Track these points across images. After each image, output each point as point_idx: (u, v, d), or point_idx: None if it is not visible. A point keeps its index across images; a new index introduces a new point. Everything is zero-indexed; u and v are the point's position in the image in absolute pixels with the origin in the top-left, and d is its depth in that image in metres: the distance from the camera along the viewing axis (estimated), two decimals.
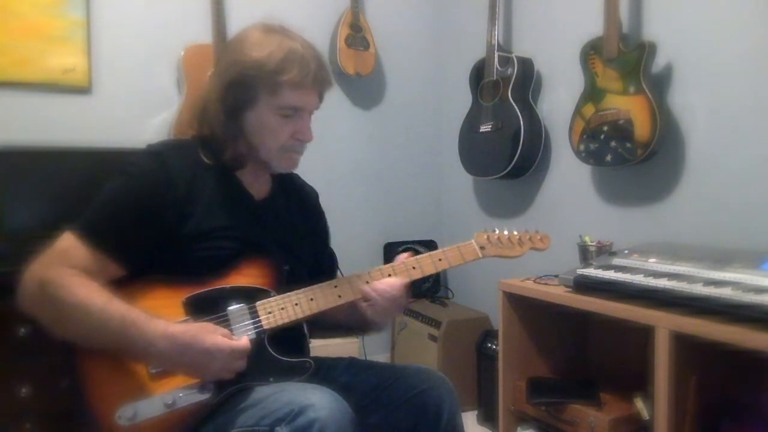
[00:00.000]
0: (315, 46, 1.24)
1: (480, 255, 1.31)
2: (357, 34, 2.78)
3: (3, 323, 1.68)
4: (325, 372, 1.27)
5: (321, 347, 2.41)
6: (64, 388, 1.09)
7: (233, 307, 1.14)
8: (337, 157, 2.88)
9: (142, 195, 1.14)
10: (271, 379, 1.12)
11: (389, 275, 1.23)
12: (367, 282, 1.22)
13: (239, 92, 1.18)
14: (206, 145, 1.24)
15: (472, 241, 1.32)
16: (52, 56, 2.28)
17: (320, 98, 1.26)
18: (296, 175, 1.42)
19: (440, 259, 1.27)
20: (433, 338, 2.54)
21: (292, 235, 1.32)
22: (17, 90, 2.24)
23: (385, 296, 1.20)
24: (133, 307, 1.05)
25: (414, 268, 1.24)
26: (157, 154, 1.19)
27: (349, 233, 2.67)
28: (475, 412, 2.41)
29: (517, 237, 1.36)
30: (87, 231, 1.10)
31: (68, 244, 1.09)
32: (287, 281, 1.21)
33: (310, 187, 1.47)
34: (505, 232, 1.35)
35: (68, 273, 1.06)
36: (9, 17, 2.21)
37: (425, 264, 1.26)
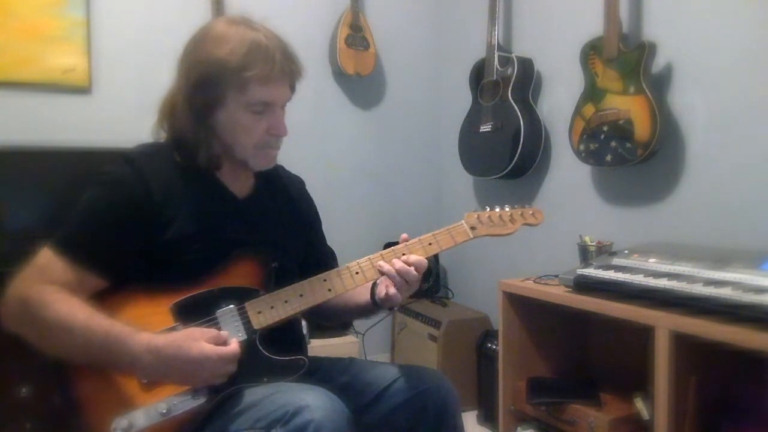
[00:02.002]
0: (280, 35, 1.18)
1: (471, 236, 1.27)
2: (357, 34, 2.77)
3: (3, 323, 1.68)
4: (325, 372, 1.27)
5: (321, 347, 2.42)
6: (63, 391, 1.09)
7: (222, 309, 1.12)
8: (337, 157, 2.88)
9: (118, 205, 1.11)
10: (266, 379, 1.11)
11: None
12: (357, 273, 1.21)
13: (206, 93, 1.13)
14: (180, 147, 1.19)
15: (463, 222, 1.27)
16: (52, 56, 2.28)
17: (292, 89, 1.21)
18: (280, 166, 1.38)
19: (430, 243, 1.24)
20: (433, 338, 2.54)
21: (279, 230, 1.29)
22: (17, 90, 2.24)
23: (409, 276, 1.18)
24: (116, 322, 1.04)
25: (404, 254, 1.21)
26: (131, 161, 1.15)
27: (349, 233, 2.66)
28: (475, 412, 2.41)
29: (509, 214, 1.32)
30: (64, 246, 1.08)
31: (47, 260, 1.08)
32: (277, 278, 1.19)
33: (295, 176, 1.43)
34: (497, 209, 1.31)
35: (49, 291, 1.04)
36: (9, 17, 2.21)
37: (415, 249, 1.23)
